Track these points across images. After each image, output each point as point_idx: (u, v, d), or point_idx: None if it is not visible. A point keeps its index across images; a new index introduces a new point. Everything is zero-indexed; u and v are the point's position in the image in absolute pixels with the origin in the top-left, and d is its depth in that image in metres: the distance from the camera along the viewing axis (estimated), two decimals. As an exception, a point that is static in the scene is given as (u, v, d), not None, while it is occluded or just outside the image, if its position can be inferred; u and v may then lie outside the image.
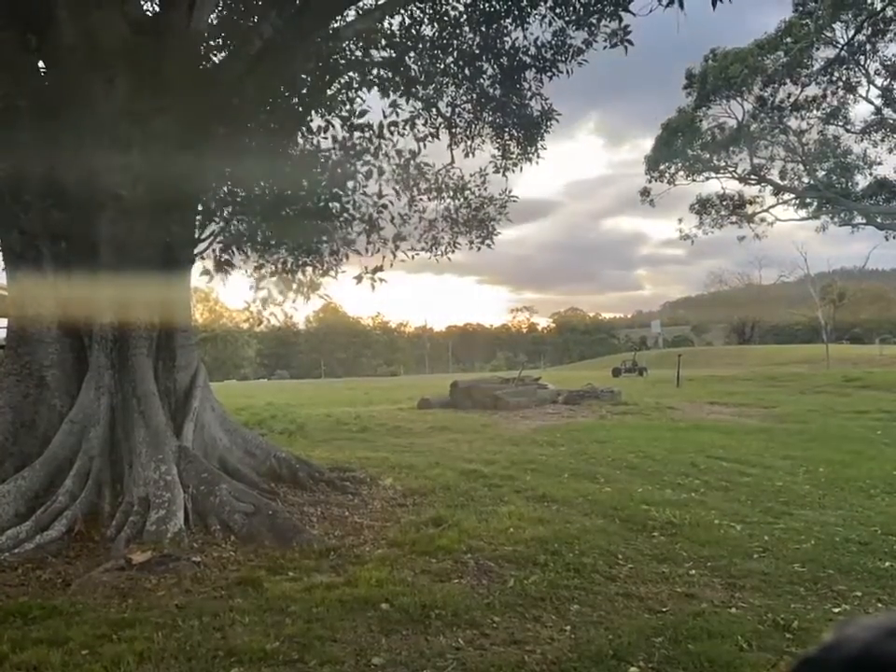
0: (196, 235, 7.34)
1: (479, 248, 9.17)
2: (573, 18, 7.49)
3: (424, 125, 8.68)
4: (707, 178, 27.10)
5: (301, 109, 7.25)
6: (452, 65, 8.37)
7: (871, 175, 25.07)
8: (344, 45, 7.65)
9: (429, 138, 8.69)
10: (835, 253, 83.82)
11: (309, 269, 8.07)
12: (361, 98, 8.13)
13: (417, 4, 7.98)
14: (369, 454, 9.37)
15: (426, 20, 8.13)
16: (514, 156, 9.04)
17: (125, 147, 6.04)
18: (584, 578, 4.63)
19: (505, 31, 7.92)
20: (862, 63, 22.73)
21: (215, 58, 7.56)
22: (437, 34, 8.19)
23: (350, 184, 7.54)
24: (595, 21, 7.37)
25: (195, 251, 7.33)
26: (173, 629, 3.83)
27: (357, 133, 7.80)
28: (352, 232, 7.97)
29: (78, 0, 6.09)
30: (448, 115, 8.97)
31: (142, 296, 6.50)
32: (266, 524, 5.52)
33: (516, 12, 7.62)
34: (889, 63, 22.34)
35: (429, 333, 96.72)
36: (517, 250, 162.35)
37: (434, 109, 8.79)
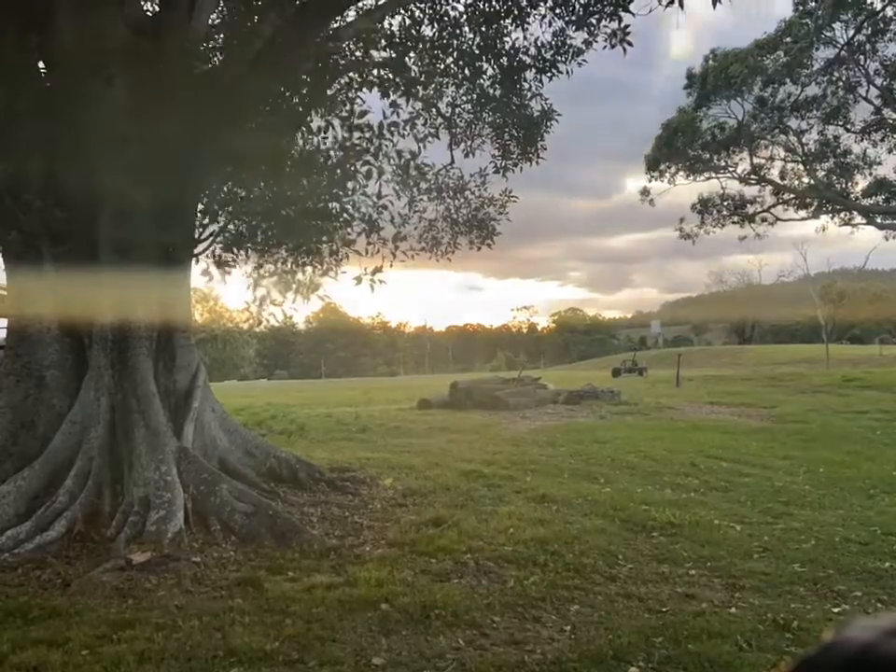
0: (196, 235, 7.34)
1: (479, 248, 9.18)
2: (573, 18, 7.49)
3: (424, 125, 8.69)
4: (708, 178, 27.07)
5: (301, 109, 7.25)
6: (452, 66, 8.37)
7: (871, 174, 25.03)
8: (344, 45, 7.65)
9: (429, 138, 8.70)
10: (835, 253, 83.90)
11: (309, 269, 8.07)
12: (361, 98, 8.14)
13: (417, 4, 7.98)
14: (369, 454, 9.36)
15: (426, 20, 8.13)
16: (514, 156, 9.05)
17: (125, 147, 6.04)
18: (584, 578, 4.63)
19: (505, 31, 7.92)
20: (862, 62, 22.72)
21: (215, 58, 7.57)
22: (437, 34, 8.19)
23: (350, 184, 7.55)
24: (594, 22, 7.36)
25: (195, 251, 7.34)
26: (173, 629, 3.83)
27: (356, 134, 7.80)
28: (352, 233, 7.98)
29: (78, 0, 6.09)
30: (448, 115, 8.97)
31: (142, 296, 6.50)
32: (266, 524, 5.52)
33: (516, 12, 7.62)
34: (888, 62, 22.32)
35: (430, 333, 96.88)
36: (635, 248, 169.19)
37: (434, 109, 8.79)
